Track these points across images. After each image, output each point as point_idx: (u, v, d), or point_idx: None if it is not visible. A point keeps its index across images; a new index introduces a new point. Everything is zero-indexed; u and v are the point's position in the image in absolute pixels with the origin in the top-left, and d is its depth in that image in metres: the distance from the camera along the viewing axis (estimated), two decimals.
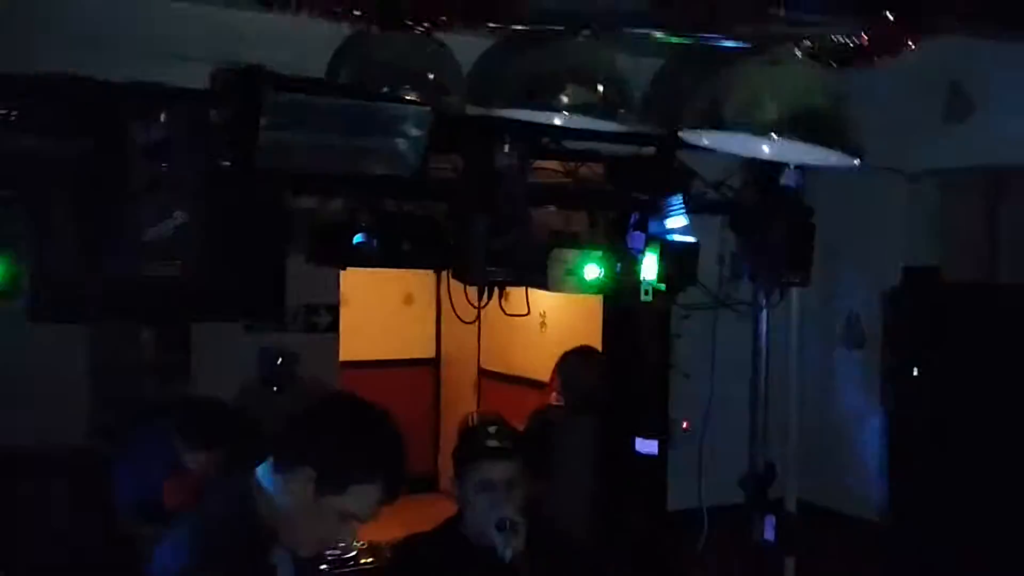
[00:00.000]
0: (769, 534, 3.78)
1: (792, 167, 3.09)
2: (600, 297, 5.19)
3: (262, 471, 2.03)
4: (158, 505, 3.79)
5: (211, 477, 2.16)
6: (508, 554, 2.46)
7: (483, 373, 7.89)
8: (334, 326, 5.38)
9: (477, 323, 7.11)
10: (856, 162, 2.33)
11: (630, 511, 3.77)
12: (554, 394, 5.01)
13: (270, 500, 2.00)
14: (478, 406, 7.75)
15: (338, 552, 4.03)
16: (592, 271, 3.48)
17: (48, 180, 3.15)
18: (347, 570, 4.13)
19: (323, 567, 3.76)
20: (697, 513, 3.89)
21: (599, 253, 3.55)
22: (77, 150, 3.07)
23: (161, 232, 2.92)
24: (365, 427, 2.03)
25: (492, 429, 2.70)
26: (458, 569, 2.63)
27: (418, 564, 2.71)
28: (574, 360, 4.74)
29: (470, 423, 2.90)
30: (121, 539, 3.73)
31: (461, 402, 7.95)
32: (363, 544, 4.28)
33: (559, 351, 6.66)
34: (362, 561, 4.21)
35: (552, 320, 6.83)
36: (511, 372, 7.36)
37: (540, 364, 6.90)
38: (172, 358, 4.75)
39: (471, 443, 2.72)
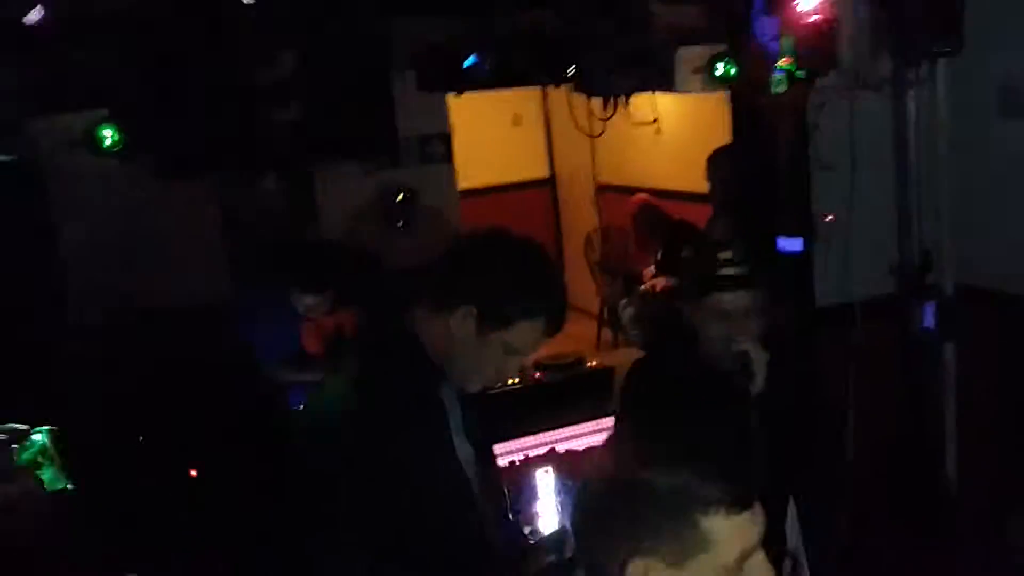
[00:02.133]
0: (929, 321, 3.64)
1: None
2: (719, 95, 4.95)
3: (422, 310, 2.01)
4: (300, 353, 3.91)
5: (372, 319, 2.14)
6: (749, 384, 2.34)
7: (600, 187, 7.75)
8: (448, 156, 5.29)
9: (591, 137, 7.00)
10: None
11: (779, 311, 3.65)
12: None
13: (433, 339, 1.98)
14: (599, 221, 7.66)
15: None
16: (721, 67, 3.27)
17: (151, 38, 3.10)
18: (496, 392, 4.17)
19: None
20: (847, 307, 3.77)
21: (726, 46, 3.32)
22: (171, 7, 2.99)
23: (274, 75, 2.84)
24: (523, 262, 1.97)
25: (726, 255, 2.38)
26: (696, 391, 2.52)
27: (654, 384, 2.57)
28: (724, 157, 4.55)
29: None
30: (271, 389, 3.88)
31: (581, 219, 7.88)
32: None
33: (677, 156, 6.48)
34: (510, 383, 4.26)
35: (667, 125, 6.57)
36: (629, 183, 7.19)
37: (658, 171, 6.73)
38: (299, 205, 4.78)
39: (705, 270, 2.43)
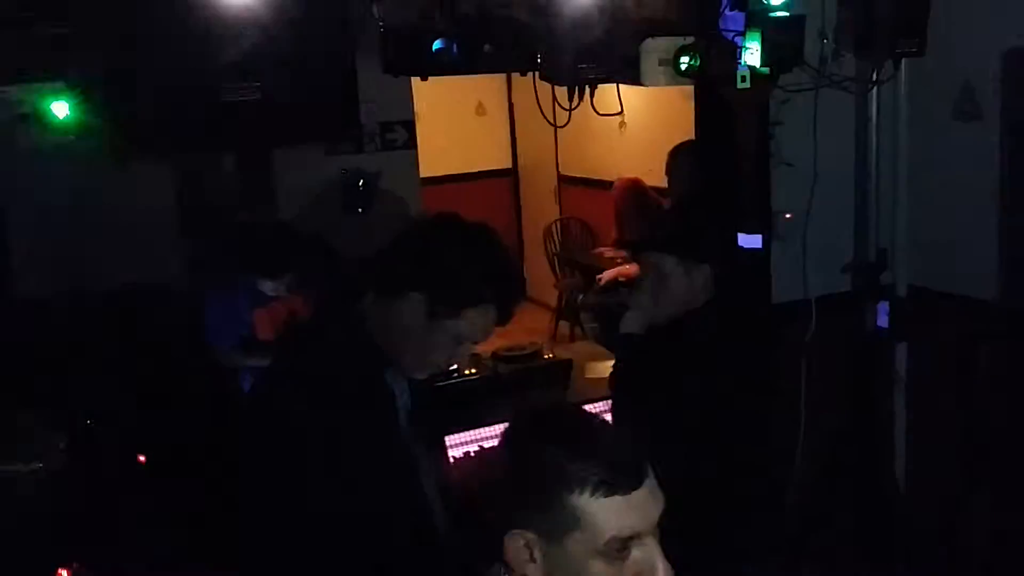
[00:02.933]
0: (882, 320, 3.68)
1: None
2: (683, 91, 4.97)
3: (372, 296, 1.98)
4: (252, 338, 3.87)
5: (320, 304, 2.12)
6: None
7: (562, 179, 7.76)
8: (411, 142, 5.26)
9: (555, 129, 6.99)
10: None
11: (735, 306, 3.67)
12: None
13: (382, 325, 1.95)
14: (560, 213, 7.67)
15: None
16: (687, 60, 3.27)
17: (108, 13, 3.03)
18: (451, 382, 4.17)
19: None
20: (803, 304, 3.80)
21: (692, 40, 3.32)
22: None
23: (235, 53, 2.78)
24: (476, 248, 1.94)
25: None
26: None
27: None
28: (686, 153, 4.59)
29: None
30: (219, 372, 3.83)
31: (542, 210, 7.88)
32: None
33: (640, 150, 6.50)
34: (465, 373, 4.24)
35: (631, 119, 6.59)
36: (591, 176, 7.21)
37: (621, 166, 6.74)
38: (256, 188, 4.72)
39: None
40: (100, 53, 3.13)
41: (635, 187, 5.99)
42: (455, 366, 2.15)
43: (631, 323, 2.64)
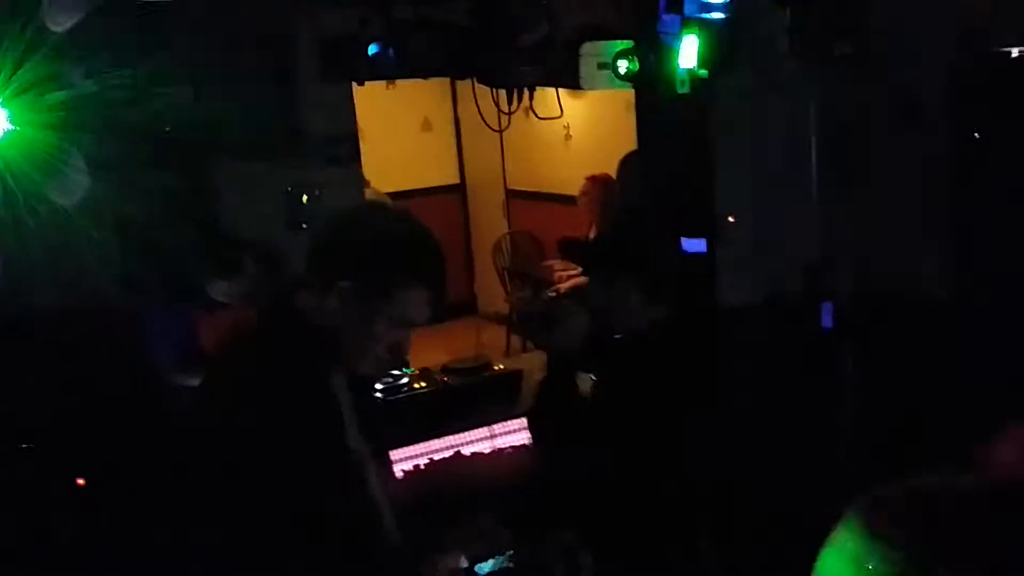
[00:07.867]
0: (827, 321, 3.70)
1: None
2: (626, 102, 4.99)
3: (305, 296, 1.94)
4: (198, 352, 3.76)
5: (261, 311, 2.06)
6: None
7: (510, 193, 7.75)
8: (355, 157, 5.19)
9: (501, 144, 6.98)
10: None
11: (679, 310, 3.66)
12: None
13: (319, 322, 1.91)
14: (509, 227, 7.65)
15: (390, 379, 4.02)
16: (625, 63, 3.27)
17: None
18: (401, 396, 4.13)
19: (378, 395, 3.76)
20: (748, 307, 3.81)
21: (631, 43, 3.33)
22: None
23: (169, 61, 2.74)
24: (392, 231, 1.94)
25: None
26: None
27: None
28: (634, 163, 4.59)
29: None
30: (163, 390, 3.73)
31: (491, 225, 7.86)
32: (415, 371, 4.27)
33: (586, 162, 6.52)
34: (415, 387, 4.21)
35: (576, 131, 6.61)
36: (539, 189, 7.21)
37: (567, 178, 6.75)
38: (198, 204, 4.62)
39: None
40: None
41: (608, 183, 5.93)
42: (403, 359, 2.12)
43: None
